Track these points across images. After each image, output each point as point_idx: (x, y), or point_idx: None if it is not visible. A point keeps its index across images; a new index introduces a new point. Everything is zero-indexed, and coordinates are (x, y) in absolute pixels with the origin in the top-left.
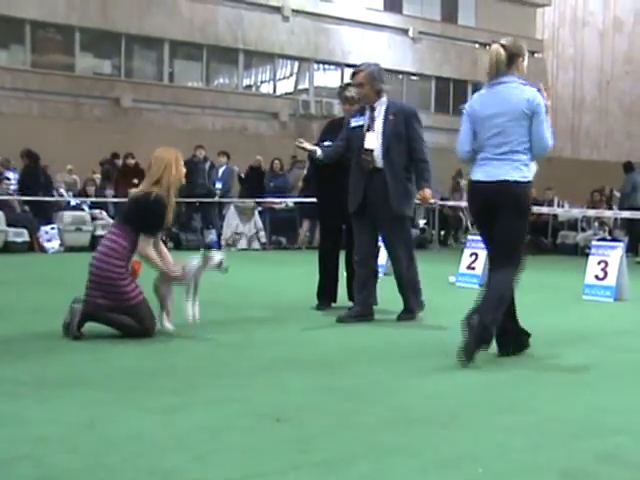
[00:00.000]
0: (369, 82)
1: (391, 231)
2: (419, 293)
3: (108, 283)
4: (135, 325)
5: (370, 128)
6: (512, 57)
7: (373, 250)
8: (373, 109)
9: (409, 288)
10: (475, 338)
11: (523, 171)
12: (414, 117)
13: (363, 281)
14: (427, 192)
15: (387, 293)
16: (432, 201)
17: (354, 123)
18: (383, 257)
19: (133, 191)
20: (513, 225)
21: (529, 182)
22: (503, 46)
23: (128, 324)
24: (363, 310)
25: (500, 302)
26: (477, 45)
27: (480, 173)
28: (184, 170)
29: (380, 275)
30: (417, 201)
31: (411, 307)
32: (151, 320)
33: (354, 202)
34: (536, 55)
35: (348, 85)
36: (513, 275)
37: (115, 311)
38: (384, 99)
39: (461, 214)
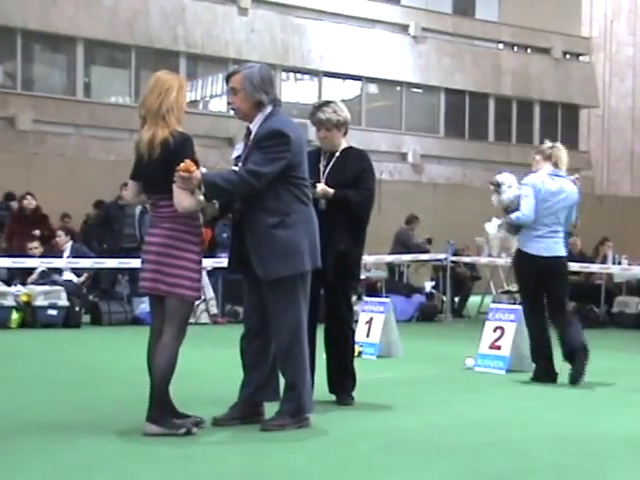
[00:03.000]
0: (243, 89)
1: (268, 299)
2: (301, 391)
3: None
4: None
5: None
6: None
7: (264, 319)
8: (249, 133)
9: (286, 381)
10: (583, 363)
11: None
12: (264, 139)
13: (248, 366)
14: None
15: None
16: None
17: (235, 152)
18: (361, 331)
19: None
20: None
21: None
22: None
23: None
24: (244, 409)
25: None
26: (501, 46)
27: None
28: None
29: (371, 357)
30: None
31: (284, 409)
32: None
33: (229, 257)
34: (581, 58)
35: (325, 104)
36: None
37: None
38: (262, 116)
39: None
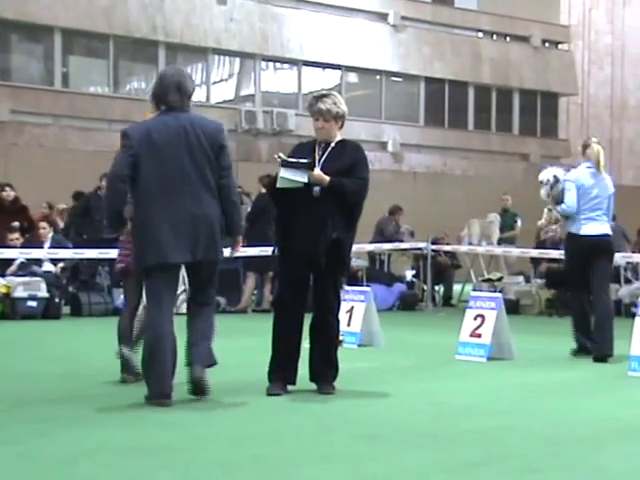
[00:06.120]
0: None
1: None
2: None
3: None
4: None
5: None
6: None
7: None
8: None
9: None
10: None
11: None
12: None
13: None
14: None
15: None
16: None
17: None
18: (342, 320)
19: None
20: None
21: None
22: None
23: None
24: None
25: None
26: (480, 34)
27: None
28: None
29: (352, 346)
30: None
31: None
32: None
33: None
34: (560, 46)
35: (326, 95)
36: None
37: None
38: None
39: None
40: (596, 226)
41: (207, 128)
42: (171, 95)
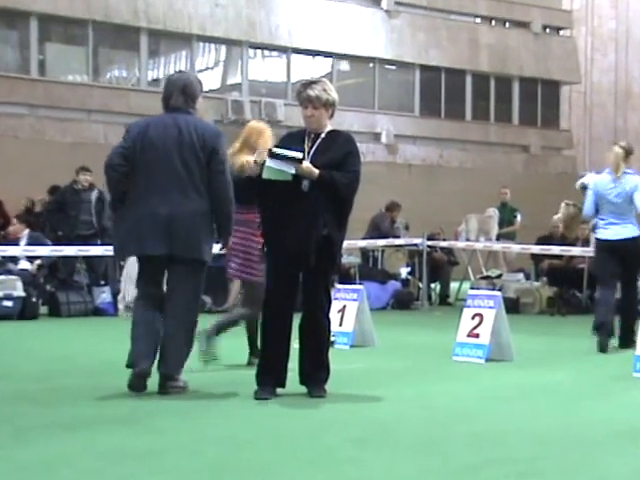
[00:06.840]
0: None
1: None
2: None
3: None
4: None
5: None
6: (628, 155)
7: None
8: None
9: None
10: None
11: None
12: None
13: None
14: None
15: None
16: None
17: None
18: (333, 319)
19: None
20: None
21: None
22: (622, 147)
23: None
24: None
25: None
26: (478, 20)
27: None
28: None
29: (344, 346)
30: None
31: (175, 373)
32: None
33: None
34: (562, 32)
35: (314, 82)
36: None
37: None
38: None
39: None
40: (616, 230)
41: (202, 130)
42: (174, 97)
